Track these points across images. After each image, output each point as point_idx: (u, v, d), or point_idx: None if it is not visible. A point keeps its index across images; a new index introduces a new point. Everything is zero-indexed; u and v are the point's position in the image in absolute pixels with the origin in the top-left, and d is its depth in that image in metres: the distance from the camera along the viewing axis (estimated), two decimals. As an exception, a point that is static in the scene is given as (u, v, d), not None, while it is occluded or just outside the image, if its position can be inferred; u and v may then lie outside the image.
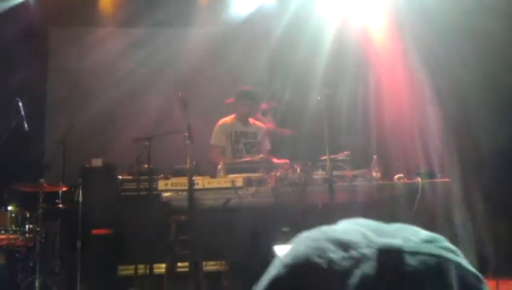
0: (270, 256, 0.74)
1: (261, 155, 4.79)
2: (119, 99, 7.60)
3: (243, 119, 5.33)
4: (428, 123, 6.63)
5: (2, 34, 6.96)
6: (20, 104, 5.16)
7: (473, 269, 0.63)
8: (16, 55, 6.88)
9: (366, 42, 7.51)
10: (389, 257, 0.60)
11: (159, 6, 7.56)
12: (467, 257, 0.66)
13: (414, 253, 0.61)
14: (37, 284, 4.90)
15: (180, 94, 4.18)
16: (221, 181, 4.16)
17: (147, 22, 7.83)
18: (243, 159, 4.78)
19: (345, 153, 4.35)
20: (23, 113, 5.10)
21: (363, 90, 7.08)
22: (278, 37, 7.82)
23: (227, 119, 5.38)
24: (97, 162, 6.29)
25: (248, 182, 4.09)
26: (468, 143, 6.39)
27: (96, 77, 7.75)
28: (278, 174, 4.09)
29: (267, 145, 5.40)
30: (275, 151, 5.37)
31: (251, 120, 5.41)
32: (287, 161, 4.78)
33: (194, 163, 4.17)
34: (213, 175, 4.43)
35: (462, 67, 6.27)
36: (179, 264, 5.66)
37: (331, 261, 0.61)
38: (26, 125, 5.08)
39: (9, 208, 5.20)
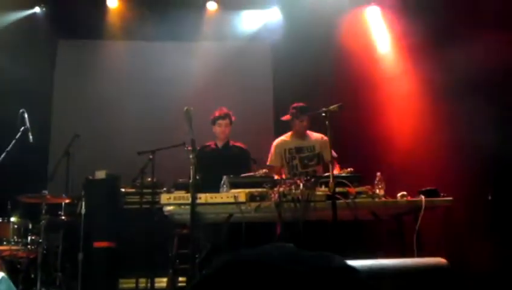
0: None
1: (264, 170, 4.77)
2: (125, 111, 7.64)
3: (300, 134, 5.41)
4: (433, 140, 6.63)
5: (10, 44, 7.02)
6: (26, 115, 5.18)
7: None
8: (23, 66, 6.93)
9: (371, 57, 7.56)
10: (347, 274, 0.72)
11: (167, 20, 7.62)
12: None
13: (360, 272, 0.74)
14: (37, 296, 4.89)
15: (185, 108, 4.18)
16: (224, 196, 4.15)
17: (154, 35, 7.90)
18: (245, 174, 4.76)
19: (349, 169, 4.34)
20: (28, 124, 5.12)
21: (368, 106, 7.09)
22: (284, 52, 7.87)
23: (282, 137, 5.50)
24: (101, 175, 6.29)
25: (251, 197, 4.08)
26: (474, 160, 6.38)
27: (102, 89, 7.79)
28: (281, 189, 4.08)
29: (328, 155, 5.36)
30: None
31: (309, 133, 5.45)
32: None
33: (198, 177, 4.16)
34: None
35: (471, 81, 6.29)
36: (180, 278, 5.64)
37: (290, 270, 0.69)
38: (31, 137, 5.09)
39: (12, 219, 5.22)
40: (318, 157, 5.35)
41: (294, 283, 0.67)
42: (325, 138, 5.46)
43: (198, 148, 5.29)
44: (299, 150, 5.35)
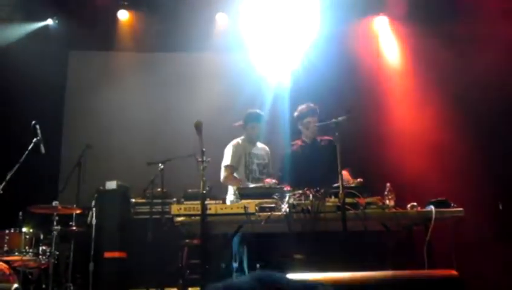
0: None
1: (274, 181, 4.79)
2: (135, 122, 7.70)
3: (251, 141, 5.41)
4: (444, 150, 6.61)
5: (23, 56, 7.11)
6: (38, 126, 5.24)
7: None
8: (35, 77, 7.01)
9: (380, 66, 7.57)
10: None
11: (177, 32, 7.69)
12: None
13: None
14: (49, 307, 4.91)
15: (196, 120, 4.20)
16: (234, 207, 4.16)
17: (164, 46, 7.98)
18: (253, 185, 4.77)
19: (358, 180, 4.33)
20: (40, 136, 5.17)
21: (377, 115, 7.09)
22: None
23: (238, 140, 5.43)
24: (111, 185, 6.33)
25: (261, 208, 4.09)
26: (484, 169, 6.35)
27: (112, 100, 7.85)
28: (291, 200, 4.08)
29: (271, 168, 5.46)
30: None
31: (258, 142, 5.48)
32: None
33: (208, 187, 4.18)
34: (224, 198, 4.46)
35: (479, 90, 6.28)
36: (190, 288, 5.64)
37: None
38: (43, 148, 5.14)
39: (24, 229, 5.24)
40: (268, 167, 5.41)
41: None
42: (267, 149, 5.50)
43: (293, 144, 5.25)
44: (256, 156, 5.37)
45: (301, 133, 5.28)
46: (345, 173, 4.30)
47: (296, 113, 5.22)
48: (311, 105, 5.16)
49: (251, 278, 0.79)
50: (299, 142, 5.26)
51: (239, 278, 0.82)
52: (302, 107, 5.19)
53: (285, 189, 4.30)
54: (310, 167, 4.81)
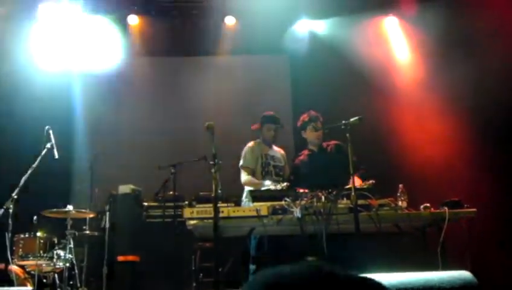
0: None
1: (286, 184, 4.79)
2: (146, 126, 7.73)
3: (268, 143, 5.42)
4: (455, 150, 6.57)
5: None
6: (51, 131, 5.28)
7: None
8: (47, 82, 7.06)
9: (390, 67, 7.54)
10: None
11: (187, 35, 7.72)
12: None
13: None
14: (63, 310, 4.95)
15: (207, 123, 4.22)
16: (246, 209, 4.18)
17: (174, 50, 8.01)
18: (267, 187, 4.77)
19: (370, 182, 4.31)
20: (53, 141, 5.21)
21: (388, 116, 7.06)
22: (302, 65, 7.89)
23: (254, 142, 5.45)
24: (124, 189, 6.37)
25: (273, 211, 4.09)
26: (496, 168, 6.31)
27: (124, 104, 7.89)
28: (303, 202, 4.08)
29: (287, 171, 5.46)
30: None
31: (274, 146, 5.48)
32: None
33: (220, 191, 4.19)
34: (238, 201, 4.47)
35: (493, 91, 6.24)
36: (203, 292, 5.66)
37: None
38: (56, 153, 5.18)
39: (38, 234, 5.29)
40: (284, 170, 5.39)
41: None
42: (283, 152, 5.50)
43: (294, 160, 5.27)
44: (272, 158, 5.37)
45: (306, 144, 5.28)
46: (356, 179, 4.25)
47: (298, 123, 5.25)
48: (312, 112, 5.20)
49: (306, 267, 0.76)
50: (305, 151, 5.28)
51: (288, 266, 0.78)
52: (303, 115, 5.22)
53: (297, 191, 4.30)
54: (321, 174, 4.79)
